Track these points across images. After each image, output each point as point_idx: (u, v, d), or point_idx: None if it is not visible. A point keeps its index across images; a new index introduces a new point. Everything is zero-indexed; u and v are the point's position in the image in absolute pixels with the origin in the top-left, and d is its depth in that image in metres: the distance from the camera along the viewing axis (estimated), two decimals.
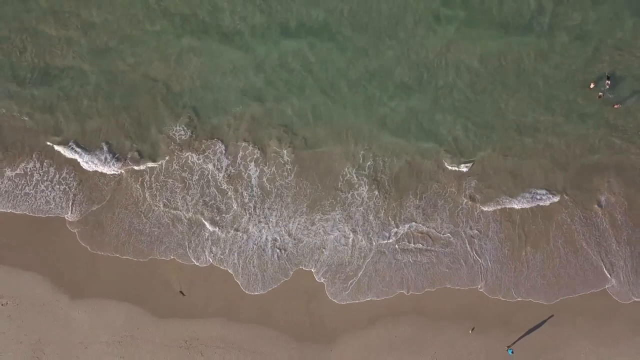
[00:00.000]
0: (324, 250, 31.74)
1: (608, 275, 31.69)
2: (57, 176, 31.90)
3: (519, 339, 30.76)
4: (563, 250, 32.02)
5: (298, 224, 32.02)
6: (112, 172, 31.99)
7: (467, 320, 30.95)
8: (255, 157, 32.55)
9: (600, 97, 32.77)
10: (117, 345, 30.40)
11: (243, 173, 32.39)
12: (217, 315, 30.89)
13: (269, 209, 32.18)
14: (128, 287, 30.94)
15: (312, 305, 31.03)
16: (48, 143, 32.17)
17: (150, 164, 32.25)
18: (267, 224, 31.97)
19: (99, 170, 31.96)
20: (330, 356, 30.61)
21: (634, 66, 33.29)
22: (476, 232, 32.04)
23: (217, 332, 30.72)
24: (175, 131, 32.67)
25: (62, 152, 32.09)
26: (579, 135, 32.92)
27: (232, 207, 32.07)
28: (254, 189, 32.24)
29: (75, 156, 32.10)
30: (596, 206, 32.44)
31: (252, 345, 30.61)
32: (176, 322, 30.75)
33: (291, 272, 31.42)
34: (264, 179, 32.32)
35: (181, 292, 31.05)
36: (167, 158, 32.40)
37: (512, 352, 30.51)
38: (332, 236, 31.98)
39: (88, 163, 31.97)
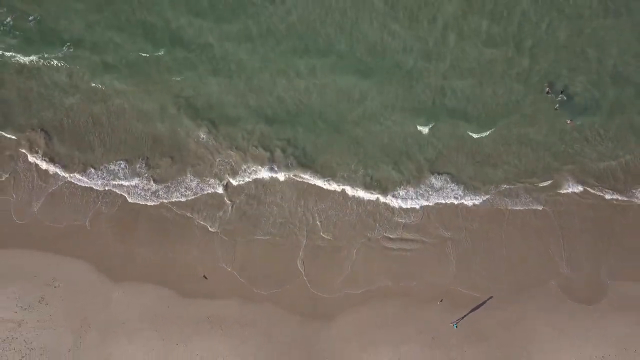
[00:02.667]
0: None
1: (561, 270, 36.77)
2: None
3: (464, 316, 35.64)
4: (523, 246, 36.85)
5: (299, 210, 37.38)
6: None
7: (445, 300, 36.12)
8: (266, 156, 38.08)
9: (556, 109, 38.04)
10: (151, 321, 35.58)
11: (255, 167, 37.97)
12: (235, 296, 35.95)
13: (279, 191, 37.62)
14: (160, 272, 36.15)
15: (314, 286, 36.13)
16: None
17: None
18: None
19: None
20: (330, 330, 35.71)
21: (586, 86, 38.49)
22: (447, 229, 37.23)
23: (234, 310, 35.79)
24: (200, 139, 38.20)
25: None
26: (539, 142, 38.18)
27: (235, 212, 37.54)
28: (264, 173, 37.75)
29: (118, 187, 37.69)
30: (542, 207, 37.39)
31: (264, 321, 35.71)
32: (200, 302, 35.86)
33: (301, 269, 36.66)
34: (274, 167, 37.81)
35: (204, 276, 36.28)
36: (199, 165, 37.83)
37: (457, 327, 35.53)
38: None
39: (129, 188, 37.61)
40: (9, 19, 38.86)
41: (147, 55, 38.79)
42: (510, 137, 38.14)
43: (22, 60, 38.42)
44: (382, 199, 37.65)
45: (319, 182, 37.70)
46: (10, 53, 38.34)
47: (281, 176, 37.72)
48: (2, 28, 38.76)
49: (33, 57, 38.44)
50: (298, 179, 37.74)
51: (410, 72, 38.90)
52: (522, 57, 38.65)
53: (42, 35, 38.90)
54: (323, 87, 38.80)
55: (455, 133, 38.20)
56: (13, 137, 37.95)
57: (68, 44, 38.75)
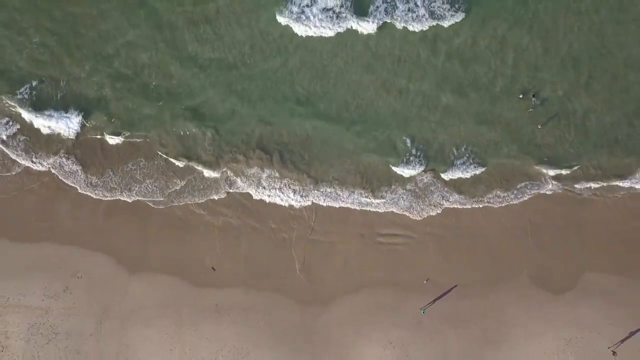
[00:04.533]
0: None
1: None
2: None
3: (431, 303, 39.48)
4: (499, 241, 40.68)
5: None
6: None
7: (430, 288, 40.22)
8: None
9: (530, 111, 41.51)
10: (164, 308, 39.22)
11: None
12: (240, 285, 39.64)
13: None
14: (172, 264, 39.73)
15: (312, 276, 40.10)
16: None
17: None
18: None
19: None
20: (326, 317, 39.48)
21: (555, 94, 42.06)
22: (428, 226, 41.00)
23: (240, 297, 39.46)
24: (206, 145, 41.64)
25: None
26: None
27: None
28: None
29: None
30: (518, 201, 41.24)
31: (267, 308, 39.43)
32: (209, 290, 39.50)
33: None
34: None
35: (212, 267, 40.01)
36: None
37: (424, 312, 39.41)
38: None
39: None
40: (36, 38, 42.97)
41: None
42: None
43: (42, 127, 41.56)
44: (373, 199, 41.41)
45: (327, 203, 41.35)
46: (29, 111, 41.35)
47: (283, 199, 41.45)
48: (29, 46, 42.71)
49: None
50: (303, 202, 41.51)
51: (399, 122, 41.89)
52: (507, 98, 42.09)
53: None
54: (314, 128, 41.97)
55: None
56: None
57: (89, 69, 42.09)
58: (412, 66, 42.02)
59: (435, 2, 41.93)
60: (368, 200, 41.34)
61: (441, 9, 41.79)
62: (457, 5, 41.76)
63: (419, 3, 41.83)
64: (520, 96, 41.62)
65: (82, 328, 39.09)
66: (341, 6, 41.76)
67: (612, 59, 41.72)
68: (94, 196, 40.79)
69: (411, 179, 41.64)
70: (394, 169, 41.53)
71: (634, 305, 39.68)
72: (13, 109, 41.28)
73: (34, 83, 41.60)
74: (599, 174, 41.67)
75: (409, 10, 41.82)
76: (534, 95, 41.54)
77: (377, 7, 41.83)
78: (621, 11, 41.84)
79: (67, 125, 41.09)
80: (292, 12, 41.81)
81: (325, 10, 41.86)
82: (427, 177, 41.59)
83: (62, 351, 38.72)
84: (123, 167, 41.42)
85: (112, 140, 41.29)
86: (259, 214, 41.15)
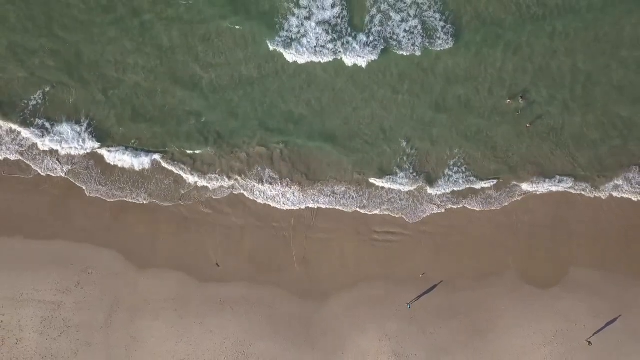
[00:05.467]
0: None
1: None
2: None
3: (418, 298, 41.44)
4: (488, 239, 42.74)
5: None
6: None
7: (424, 284, 42.34)
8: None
9: (518, 113, 43.28)
10: (171, 302, 41.00)
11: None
12: (243, 280, 41.41)
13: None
14: (179, 260, 41.46)
15: (311, 271, 42.11)
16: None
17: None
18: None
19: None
20: (325, 310, 41.41)
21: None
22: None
23: (243, 292, 41.24)
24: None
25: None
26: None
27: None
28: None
29: None
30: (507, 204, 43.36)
31: (269, 301, 41.25)
32: (213, 285, 41.26)
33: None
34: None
35: (217, 264, 41.96)
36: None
37: (410, 307, 41.34)
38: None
39: None
40: (46, 46, 44.94)
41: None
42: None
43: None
44: (369, 203, 43.48)
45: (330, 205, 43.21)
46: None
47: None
48: (41, 54, 44.79)
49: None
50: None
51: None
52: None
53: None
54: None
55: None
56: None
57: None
58: (406, 85, 44.12)
59: (428, 17, 43.84)
60: (364, 204, 43.32)
61: (434, 23, 43.71)
62: (449, 26, 43.70)
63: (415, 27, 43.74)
64: (508, 101, 43.63)
65: (93, 321, 40.90)
66: (336, 30, 43.60)
67: (604, 68, 43.73)
68: (103, 196, 42.76)
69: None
70: (388, 185, 43.46)
71: (616, 298, 41.82)
72: (25, 128, 43.19)
73: (46, 89, 43.62)
74: (585, 176, 43.76)
75: (402, 22, 43.75)
76: (522, 97, 43.54)
77: (372, 23, 43.73)
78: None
79: (78, 144, 43.17)
80: (285, 41, 43.47)
81: (322, 23, 43.53)
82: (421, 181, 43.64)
83: (74, 343, 40.60)
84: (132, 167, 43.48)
85: (120, 162, 43.24)
86: (260, 213, 43.10)
